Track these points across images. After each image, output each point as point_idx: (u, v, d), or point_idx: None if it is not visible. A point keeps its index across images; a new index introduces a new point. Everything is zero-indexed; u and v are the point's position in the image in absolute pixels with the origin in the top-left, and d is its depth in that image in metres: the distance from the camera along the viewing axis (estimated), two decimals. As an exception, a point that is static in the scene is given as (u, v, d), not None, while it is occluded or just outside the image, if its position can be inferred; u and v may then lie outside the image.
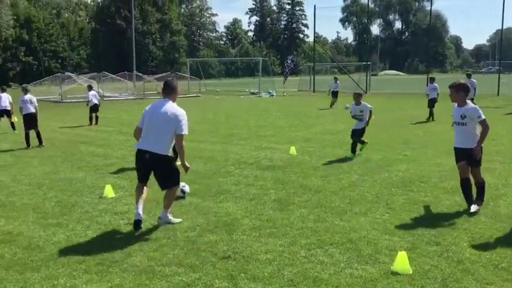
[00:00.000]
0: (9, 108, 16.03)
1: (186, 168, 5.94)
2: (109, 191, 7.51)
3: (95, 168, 9.79)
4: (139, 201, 5.86)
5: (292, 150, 11.25)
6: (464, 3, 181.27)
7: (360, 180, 8.42)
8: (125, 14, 71.82)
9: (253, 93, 38.96)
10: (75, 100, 31.26)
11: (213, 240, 5.54)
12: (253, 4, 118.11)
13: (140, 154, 5.85)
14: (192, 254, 5.13)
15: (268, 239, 5.56)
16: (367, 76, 40.45)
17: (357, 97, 11.14)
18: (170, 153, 5.90)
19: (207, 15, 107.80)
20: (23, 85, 14.81)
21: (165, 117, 5.78)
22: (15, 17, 61.08)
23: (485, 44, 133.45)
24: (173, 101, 5.98)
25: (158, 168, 5.88)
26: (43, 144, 12.85)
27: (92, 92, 18.90)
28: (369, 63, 44.74)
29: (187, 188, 7.36)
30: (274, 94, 37.19)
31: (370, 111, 10.96)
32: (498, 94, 31.61)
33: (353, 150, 10.80)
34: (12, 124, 16.25)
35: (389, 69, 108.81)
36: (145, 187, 5.99)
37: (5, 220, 6.38)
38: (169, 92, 6.01)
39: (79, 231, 5.90)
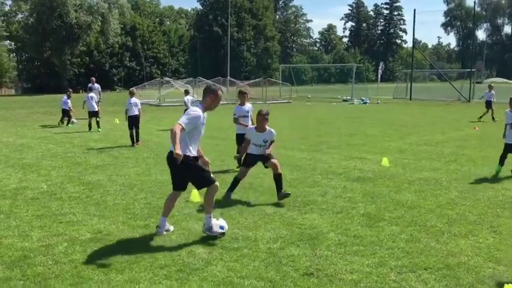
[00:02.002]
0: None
1: (177, 154, 5.32)
2: (195, 196, 7.56)
3: (184, 171, 9.97)
4: (166, 210, 6.04)
5: (385, 161, 10.65)
6: None
7: (461, 198, 7.69)
8: (221, 22, 74.18)
9: (345, 100, 38.11)
10: (172, 104, 32.69)
11: (295, 254, 5.29)
12: (349, 10, 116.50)
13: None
14: (272, 268, 4.92)
15: (355, 257, 5.19)
16: (470, 84, 37.78)
17: None
18: (189, 152, 5.69)
19: (302, 21, 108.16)
20: (130, 89, 15.85)
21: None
22: (122, 25, 65.63)
23: None
24: (204, 106, 5.80)
25: (184, 169, 5.73)
26: (139, 142, 13.97)
27: (188, 97, 19.59)
28: (472, 70, 41.80)
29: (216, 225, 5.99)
30: (368, 101, 36.06)
31: None
32: None
33: (501, 162, 9.56)
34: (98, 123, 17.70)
35: (496, 77, 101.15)
36: (177, 196, 6.07)
37: (98, 219, 6.64)
38: (203, 96, 5.87)
39: (164, 235, 5.95)
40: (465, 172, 9.78)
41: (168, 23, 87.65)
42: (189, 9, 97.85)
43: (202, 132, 5.89)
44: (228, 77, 43.00)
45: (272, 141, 7.69)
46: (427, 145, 13.71)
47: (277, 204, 7.36)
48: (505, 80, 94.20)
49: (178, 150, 5.32)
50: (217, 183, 5.87)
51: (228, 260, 5.12)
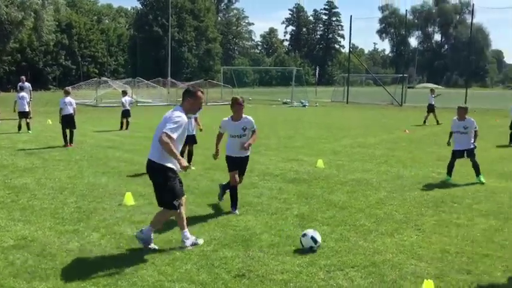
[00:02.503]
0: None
1: (183, 167, 5.16)
2: (129, 199, 7.40)
3: (118, 174, 9.74)
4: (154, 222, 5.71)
5: (320, 163, 10.93)
6: (507, 17, 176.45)
7: (389, 198, 8.04)
8: (162, 22, 73.06)
9: (285, 103, 38.71)
10: (109, 105, 31.77)
11: (228, 256, 5.31)
12: (289, 14, 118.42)
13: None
14: (204, 270, 4.91)
15: (286, 258, 5.29)
16: (403, 88, 39.57)
17: (462, 111, 9.63)
18: (172, 164, 5.27)
19: (244, 24, 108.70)
20: (65, 88, 15.35)
21: (162, 122, 5.33)
22: (57, 22, 62.99)
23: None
24: (184, 109, 5.45)
25: (153, 177, 5.44)
26: (72, 145, 13.54)
27: (126, 98, 19.23)
28: (405, 75, 43.80)
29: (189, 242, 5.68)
30: (307, 104, 36.83)
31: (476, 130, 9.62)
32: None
33: (450, 172, 9.58)
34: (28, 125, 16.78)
35: (427, 82, 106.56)
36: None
37: (23, 224, 6.33)
38: (183, 98, 5.57)
39: (94, 240, 5.78)
40: (394, 173, 10.22)
41: (107, 21, 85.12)
42: (129, 8, 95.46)
43: (184, 138, 5.54)
44: (169, 78, 42.39)
45: (253, 131, 7.14)
46: (361, 147, 14.20)
47: (212, 207, 7.35)
48: (435, 85, 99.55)
49: (183, 163, 5.19)
50: (179, 211, 5.44)
51: (159, 264, 5.05)
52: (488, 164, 11.33)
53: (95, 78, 41.58)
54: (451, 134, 9.74)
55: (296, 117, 25.47)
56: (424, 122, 22.31)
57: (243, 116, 7.21)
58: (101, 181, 9.04)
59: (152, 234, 5.55)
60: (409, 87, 50.63)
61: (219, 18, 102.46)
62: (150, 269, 4.93)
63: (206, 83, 40.51)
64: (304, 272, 4.91)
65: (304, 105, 36.36)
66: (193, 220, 6.59)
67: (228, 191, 7.30)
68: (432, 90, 24.39)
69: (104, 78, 42.25)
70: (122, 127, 18.34)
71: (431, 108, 22.79)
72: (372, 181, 9.38)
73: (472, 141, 9.56)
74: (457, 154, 9.61)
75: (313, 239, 5.47)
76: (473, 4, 41.78)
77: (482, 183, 9.12)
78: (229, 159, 7.17)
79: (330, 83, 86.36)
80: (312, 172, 10.22)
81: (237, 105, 7.17)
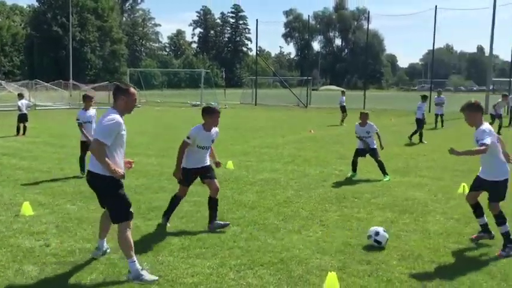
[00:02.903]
0: None
1: (119, 176, 4.77)
2: (27, 209, 6.93)
3: (14, 182, 9.08)
4: (102, 232, 5.31)
5: (229, 164, 11.04)
6: (400, 23, 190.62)
7: (296, 196, 8.33)
8: (62, 21, 69.31)
9: (194, 105, 38.52)
10: (4, 109, 29.46)
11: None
12: (197, 16, 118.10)
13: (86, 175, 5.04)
14: (112, 278, 4.75)
15: (196, 260, 5.28)
16: (307, 90, 41.19)
17: (364, 117, 10.16)
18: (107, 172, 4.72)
19: (150, 25, 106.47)
20: None
21: (97, 125, 4.88)
22: None
23: (418, 63, 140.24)
24: (119, 109, 4.85)
25: (98, 191, 4.92)
26: None
27: (23, 101, 18.00)
28: (309, 78, 45.63)
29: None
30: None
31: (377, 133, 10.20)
32: (430, 111, 32.94)
33: (354, 168, 10.16)
34: None
35: (330, 85, 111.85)
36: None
37: None
38: (115, 97, 4.90)
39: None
40: (301, 172, 10.62)
41: (0, 19, 78.83)
42: (25, 6, 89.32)
43: (124, 143, 5.07)
44: (71, 80, 40.35)
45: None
46: (269, 147, 14.56)
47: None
48: (337, 87, 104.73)
49: (115, 170, 4.66)
50: (132, 220, 4.93)
51: (62, 276, 4.80)
52: (384, 161, 12.14)
53: (-14, 80, 38.39)
54: (360, 138, 10.18)
55: (205, 120, 25.40)
56: (342, 122, 23.34)
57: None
58: (-5, 191, 8.36)
59: (137, 265, 4.76)
60: (313, 90, 52.85)
61: (124, 19, 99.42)
62: (52, 281, 4.66)
63: (112, 85, 39.04)
64: (214, 273, 4.94)
65: (214, 108, 36.43)
66: (98, 228, 6.34)
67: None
68: (343, 92, 25.82)
69: (-3, 80, 39.09)
70: (18, 132, 17.11)
71: (343, 109, 24.05)
72: (280, 180, 9.66)
73: (374, 142, 10.19)
74: (359, 152, 10.21)
75: (377, 241, 5.69)
76: (368, 11, 44.61)
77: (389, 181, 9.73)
78: (189, 172, 6.54)
79: (238, 85, 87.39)
80: (221, 174, 10.27)
81: (215, 114, 6.58)
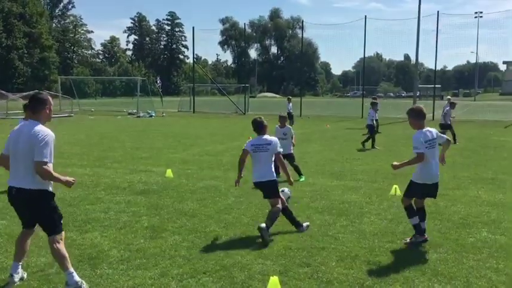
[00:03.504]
0: None
1: (70, 184, 4.73)
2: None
3: None
4: (18, 257, 4.92)
5: (169, 172, 10.90)
6: (333, 33, 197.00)
7: (237, 203, 8.38)
8: (-15, 26, 65.51)
9: (131, 114, 37.67)
10: None
11: (74, 277, 4.99)
12: (131, 23, 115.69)
13: (10, 192, 4.75)
14: (47, 296, 4.55)
15: (137, 272, 5.18)
16: (245, 98, 41.52)
17: (283, 120, 10.87)
18: (50, 187, 4.71)
19: (82, 31, 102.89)
20: None
21: (29, 143, 4.55)
22: None
23: (351, 70, 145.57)
24: (44, 121, 4.73)
25: (33, 207, 4.70)
26: None
27: None
28: (247, 85, 46.02)
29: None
30: (154, 114, 36.36)
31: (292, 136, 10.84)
32: (362, 117, 34.34)
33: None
34: None
35: (267, 92, 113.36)
36: (28, 234, 4.94)
37: None
38: (37, 109, 4.71)
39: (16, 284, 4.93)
40: (241, 179, 10.64)
41: None
42: None
43: None
44: (-4, 89, 38.12)
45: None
46: (208, 155, 14.53)
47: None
48: (274, 94, 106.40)
49: (69, 180, 4.66)
50: (61, 244, 4.76)
51: (-8, 295, 4.54)
52: (321, 166, 12.54)
53: None
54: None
55: (143, 128, 24.97)
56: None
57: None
58: None
59: (75, 276, 4.69)
60: (251, 97, 53.37)
61: (54, 25, 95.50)
62: (-19, 302, 4.40)
63: (35, 93, 37.30)
64: (156, 284, 4.87)
65: (151, 116, 35.84)
66: (31, 242, 6.05)
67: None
68: (289, 99, 26.15)
69: None
70: None
71: (290, 116, 24.28)
72: (221, 187, 9.67)
73: (291, 148, 10.71)
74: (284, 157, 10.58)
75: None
76: (302, 20, 45.81)
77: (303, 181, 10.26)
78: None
79: (176, 93, 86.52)
80: (161, 182, 10.15)
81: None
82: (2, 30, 67.25)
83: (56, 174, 4.60)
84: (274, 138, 6.92)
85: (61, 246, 4.70)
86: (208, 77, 70.43)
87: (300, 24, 53.89)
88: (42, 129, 4.62)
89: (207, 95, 73.31)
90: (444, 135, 6.42)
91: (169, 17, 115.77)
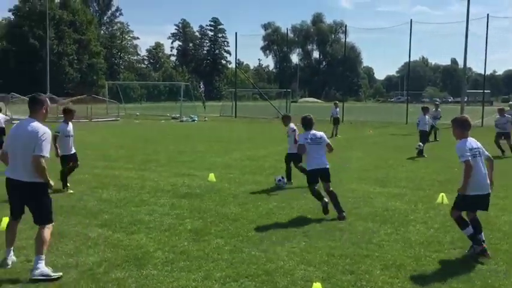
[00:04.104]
0: None
1: (51, 186, 5.30)
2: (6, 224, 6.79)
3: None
4: (10, 243, 5.43)
5: (211, 177, 11.03)
6: (376, 37, 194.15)
7: (278, 208, 8.38)
8: (39, 34, 68.53)
9: (174, 118, 38.41)
10: (-22, 123, 28.85)
11: (120, 277, 5.14)
12: (175, 29, 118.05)
13: (8, 183, 5.27)
14: (95, 294, 4.70)
15: (181, 273, 5.26)
16: (287, 103, 41.50)
17: (286, 119, 11.49)
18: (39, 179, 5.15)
19: (128, 38, 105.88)
20: None
21: (28, 138, 5.08)
22: None
23: (395, 75, 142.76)
24: (40, 120, 5.26)
25: (29, 198, 5.21)
26: None
27: (1, 115, 17.69)
28: (288, 90, 46.03)
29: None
30: (196, 119, 36.93)
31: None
32: (406, 122, 33.61)
33: (288, 177, 10.59)
34: None
35: (308, 97, 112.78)
36: (16, 224, 5.50)
37: None
38: (35, 108, 5.27)
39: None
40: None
41: (-26, 31, 77.46)
42: (0, 19, 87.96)
43: None
44: (48, 93, 39.81)
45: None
46: (250, 160, 14.60)
47: (101, 226, 7.06)
48: (316, 99, 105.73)
49: (51, 182, 5.26)
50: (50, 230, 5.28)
51: (44, 292, 4.73)
52: (363, 172, 12.36)
53: (-39, 94, 37.58)
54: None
55: (186, 132, 25.40)
56: (333, 134, 22.75)
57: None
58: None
59: (43, 263, 5.06)
60: (292, 102, 53.27)
61: (102, 32, 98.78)
62: (35, 298, 4.59)
63: (90, 99, 38.71)
64: (200, 286, 4.94)
65: (194, 120, 36.41)
66: (81, 241, 6.28)
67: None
68: (336, 104, 25.43)
69: (-28, 94, 38.31)
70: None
71: (337, 120, 23.94)
72: (262, 192, 9.70)
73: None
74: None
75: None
76: (346, 25, 45.36)
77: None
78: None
79: (218, 97, 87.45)
80: (204, 186, 10.28)
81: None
82: (54, 37, 70.11)
83: (46, 173, 5.12)
84: (322, 133, 8.18)
85: (48, 234, 5.18)
86: (250, 82, 70.86)
87: (343, 29, 53.34)
88: (40, 126, 5.19)
89: (248, 100, 73.62)
90: (486, 152, 6.14)
91: (212, 23, 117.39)
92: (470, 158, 5.78)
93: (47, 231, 5.20)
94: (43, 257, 5.07)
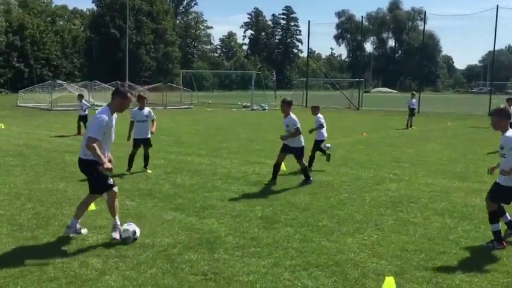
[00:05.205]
0: None
1: (107, 169, 5.65)
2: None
3: (77, 179, 9.49)
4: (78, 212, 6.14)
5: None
6: (457, 24, 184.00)
7: (349, 199, 8.23)
8: (119, 24, 71.82)
9: (245, 107, 38.85)
10: (65, 108, 30.94)
11: (193, 259, 5.30)
12: (248, 18, 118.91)
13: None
14: (170, 274, 4.88)
15: (252, 259, 5.33)
16: (359, 92, 40.54)
17: (315, 109, 12.40)
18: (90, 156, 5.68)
19: (202, 27, 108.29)
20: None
21: (90, 122, 5.92)
22: (7, 23, 60.78)
23: (477, 64, 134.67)
24: (112, 107, 5.83)
25: (83, 172, 5.93)
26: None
27: (83, 102, 18.84)
28: (361, 79, 44.90)
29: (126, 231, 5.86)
30: (267, 108, 37.10)
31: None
32: (489, 114, 31.61)
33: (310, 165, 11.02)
34: None
35: (382, 87, 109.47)
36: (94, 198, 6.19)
37: (-23, 232, 6.09)
38: (112, 97, 5.86)
39: (54, 246, 5.64)
40: (353, 175, 10.48)
41: (61, 23, 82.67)
42: (84, 10, 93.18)
43: (112, 136, 5.93)
44: (127, 81, 41.75)
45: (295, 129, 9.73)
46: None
47: (175, 210, 7.31)
48: (390, 89, 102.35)
49: (107, 165, 5.58)
50: (115, 188, 5.93)
51: (123, 269, 4.99)
52: (441, 165, 11.82)
53: (49, 81, 40.39)
54: (312, 129, 11.86)
55: (256, 121, 25.61)
56: (408, 126, 22.35)
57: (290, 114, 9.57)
58: (59, 187, 8.81)
59: (118, 223, 5.91)
60: (365, 92, 51.94)
61: (178, 21, 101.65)
62: (114, 274, 4.86)
63: (166, 86, 40.08)
64: (269, 272, 4.98)
65: (264, 109, 36.61)
66: (157, 223, 6.54)
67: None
68: (413, 94, 24.50)
69: (59, 81, 41.07)
70: (79, 131, 17.86)
71: (412, 112, 23.18)
72: (333, 183, 9.58)
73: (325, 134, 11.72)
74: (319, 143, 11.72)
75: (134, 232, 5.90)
76: (425, 12, 43.18)
77: None
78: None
79: (288, 87, 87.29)
80: (274, 175, 10.30)
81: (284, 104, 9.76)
82: (133, 27, 73.17)
83: (98, 153, 5.51)
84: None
85: (111, 200, 5.94)
86: (322, 71, 69.92)
87: (421, 16, 50.96)
88: (100, 111, 5.78)
89: (319, 89, 72.88)
90: None
91: (285, 11, 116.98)
92: None
93: (110, 197, 5.96)
94: (77, 220, 6.00)
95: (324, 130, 11.75)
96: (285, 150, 9.78)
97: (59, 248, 5.58)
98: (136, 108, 10.39)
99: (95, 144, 5.51)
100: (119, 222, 5.93)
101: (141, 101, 10.38)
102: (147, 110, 10.35)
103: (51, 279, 4.71)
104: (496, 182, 5.92)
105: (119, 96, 5.82)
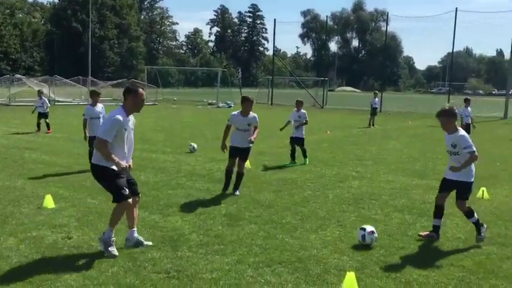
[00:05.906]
0: None
1: (122, 168, 5.22)
2: (49, 202, 7.07)
3: (36, 176, 9.25)
4: (128, 222, 5.67)
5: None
6: (418, 25, 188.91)
7: (313, 196, 8.34)
8: (81, 17, 70.16)
9: (210, 104, 38.72)
10: (24, 104, 29.98)
11: (156, 257, 5.26)
12: (214, 15, 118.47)
13: None
14: (132, 272, 4.82)
15: (215, 257, 5.33)
16: (324, 91, 41.08)
17: (299, 104, 12.31)
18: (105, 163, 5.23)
19: (168, 23, 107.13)
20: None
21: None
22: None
23: (436, 65, 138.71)
24: (127, 108, 5.33)
25: (97, 180, 5.44)
26: None
27: (44, 99, 18.28)
28: (326, 78, 45.49)
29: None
30: (232, 105, 37.08)
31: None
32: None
33: (293, 157, 11.69)
34: None
35: (346, 86, 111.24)
36: (133, 202, 5.52)
37: None
38: (123, 97, 5.42)
39: (11, 245, 5.47)
40: (317, 172, 10.62)
41: (21, 15, 79.99)
42: (45, 2, 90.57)
43: (130, 137, 5.44)
44: (89, 77, 40.82)
45: (255, 127, 8.55)
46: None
47: (138, 208, 7.19)
48: (353, 89, 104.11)
49: (120, 165, 5.17)
50: (130, 200, 5.38)
51: (84, 268, 4.90)
52: (401, 163, 12.14)
53: (7, 76, 39.03)
54: (288, 122, 12.33)
55: (222, 118, 25.48)
56: (370, 124, 22.71)
57: (251, 113, 8.44)
58: (17, 184, 8.55)
59: (112, 235, 5.35)
60: (329, 90, 52.66)
61: (143, 17, 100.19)
62: (75, 273, 4.76)
63: (130, 83, 39.43)
64: (233, 269, 4.99)
65: (230, 106, 36.58)
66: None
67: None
68: (375, 93, 24.80)
69: (18, 76, 39.75)
70: (39, 128, 17.34)
71: (375, 111, 23.53)
72: (297, 180, 9.68)
73: (303, 132, 11.98)
74: (293, 140, 11.88)
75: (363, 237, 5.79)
76: (387, 13, 44.17)
77: (306, 164, 11.43)
78: (232, 148, 8.54)
79: (254, 84, 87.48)
80: (238, 172, 10.32)
81: (247, 102, 8.34)
82: (96, 21, 71.61)
83: (109, 155, 5.11)
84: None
85: (118, 210, 5.40)
86: (287, 69, 70.39)
87: (384, 17, 52.05)
88: (115, 111, 5.32)
89: (285, 88, 73.32)
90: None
91: (251, 9, 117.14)
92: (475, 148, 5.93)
93: (117, 207, 5.39)
94: (112, 229, 5.37)
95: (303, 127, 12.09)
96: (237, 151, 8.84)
97: (17, 247, 5.42)
98: (89, 104, 10.17)
99: (104, 145, 5.12)
100: (113, 238, 5.38)
101: (95, 97, 10.14)
102: (100, 106, 10.10)
103: (9, 280, 4.56)
104: (461, 181, 6.01)
105: (129, 94, 5.34)
